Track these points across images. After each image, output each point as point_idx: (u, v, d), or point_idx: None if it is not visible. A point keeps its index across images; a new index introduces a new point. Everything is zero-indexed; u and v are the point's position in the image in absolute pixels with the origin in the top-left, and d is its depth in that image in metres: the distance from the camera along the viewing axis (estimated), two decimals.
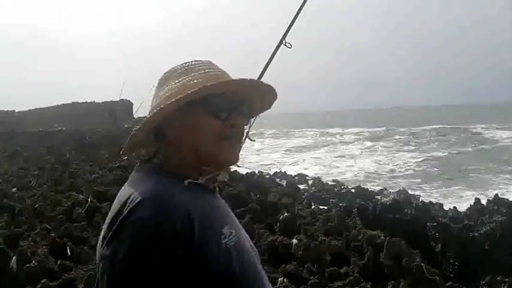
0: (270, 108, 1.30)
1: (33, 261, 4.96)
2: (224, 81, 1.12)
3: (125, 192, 1.07)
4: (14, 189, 9.76)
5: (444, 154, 26.58)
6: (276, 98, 1.25)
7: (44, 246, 5.54)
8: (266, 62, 2.31)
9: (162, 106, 1.09)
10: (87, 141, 18.36)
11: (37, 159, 14.62)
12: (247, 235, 1.26)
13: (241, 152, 1.20)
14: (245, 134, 1.24)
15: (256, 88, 1.19)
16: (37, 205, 7.82)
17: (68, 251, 5.52)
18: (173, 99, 1.07)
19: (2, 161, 14.73)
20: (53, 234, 5.97)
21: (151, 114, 1.12)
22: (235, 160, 1.16)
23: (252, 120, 1.28)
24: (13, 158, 15.23)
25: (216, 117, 1.11)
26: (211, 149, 1.11)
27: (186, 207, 1.00)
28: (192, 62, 1.20)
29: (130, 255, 0.93)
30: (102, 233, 1.05)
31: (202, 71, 1.16)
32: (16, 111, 41.25)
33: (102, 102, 37.23)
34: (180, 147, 1.13)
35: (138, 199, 0.99)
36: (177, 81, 1.16)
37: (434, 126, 49.37)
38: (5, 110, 40.06)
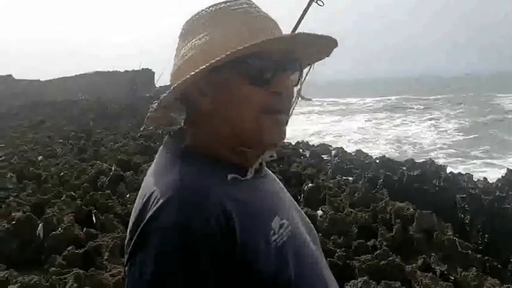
0: (328, 55, 1.01)
1: (59, 229, 5.00)
2: (267, 40, 0.84)
3: (149, 183, 0.88)
4: (40, 158, 9.89)
5: (474, 123, 26.03)
6: (336, 45, 0.97)
7: (70, 214, 5.59)
8: (297, 20, 2.14)
9: (178, 82, 0.86)
10: (109, 111, 18.47)
11: (61, 128, 14.80)
12: (301, 212, 1.07)
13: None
14: (295, 93, 0.99)
15: (306, 41, 0.92)
16: (62, 173, 7.91)
17: (94, 219, 5.55)
18: (195, 71, 0.83)
19: (27, 130, 14.96)
20: (78, 202, 6.02)
21: (167, 92, 0.88)
22: (281, 138, 0.92)
23: (306, 71, 1.01)
24: (38, 128, 15.44)
25: (255, 84, 0.87)
26: (251, 126, 0.88)
27: (222, 204, 0.81)
28: (221, 4, 0.93)
29: (157, 276, 0.77)
30: (127, 234, 0.87)
31: (236, 20, 0.89)
32: (41, 80, 41.94)
33: (124, 71, 37.40)
34: (213, 122, 0.91)
35: (162, 200, 0.80)
36: (201, 36, 0.90)
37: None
38: (29, 79, 40.76)
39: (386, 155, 11.44)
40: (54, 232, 4.94)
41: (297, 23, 2.12)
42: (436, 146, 18.95)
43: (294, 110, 1.00)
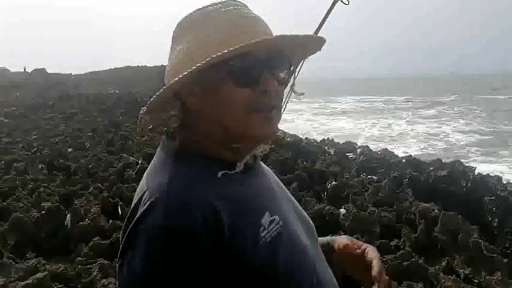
0: (320, 50, 1.03)
1: (86, 220, 5.14)
2: (247, 44, 0.85)
3: (143, 184, 0.92)
4: (69, 150, 10.15)
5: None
6: (324, 42, 0.99)
7: (97, 205, 5.73)
8: (322, 18, 2.13)
9: (165, 87, 0.89)
10: (139, 103, 18.72)
11: (91, 121, 15.11)
12: (297, 207, 1.10)
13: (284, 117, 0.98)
14: (288, 87, 1.01)
15: (294, 41, 0.94)
16: (91, 165, 8.10)
17: (119, 211, 5.68)
18: (179, 77, 0.86)
19: (59, 122, 15.34)
20: (105, 194, 6.16)
21: (156, 94, 0.90)
22: (271, 134, 0.94)
23: (298, 67, 1.04)
24: (69, 120, 15.81)
25: (241, 85, 0.89)
26: (240, 124, 0.90)
27: (210, 203, 0.84)
28: (209, 7, 0.94)
29: (144, 275, 0.80)
30: (120, 237, 0.90)
31: (224, 22, 0.91)
32: (72, 74, 43.00)
33: (153, 66, 37.97)
34: (203, 120, 0.93)
35: (151, 200, 0.84)
36: (189, 39, 0.92)
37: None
38: (63, 73, 41.83)
39: (412, 155, 11.22)
40: (81, 223, 5.08)
41: (320, 24, 2.12)
42: (465, 146, 18.53)
43: (286, 105, 1.01)
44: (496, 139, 19.99)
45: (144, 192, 0.87)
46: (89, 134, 12.38)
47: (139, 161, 7.77)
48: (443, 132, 22.61)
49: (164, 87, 0.90)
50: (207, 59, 0.84)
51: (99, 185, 6.70)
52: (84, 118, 15.94)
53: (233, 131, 0.91)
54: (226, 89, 0.89)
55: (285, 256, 0.89)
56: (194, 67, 0.85)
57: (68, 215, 5.19)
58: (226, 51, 0.84)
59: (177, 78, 0.86)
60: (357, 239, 4.42)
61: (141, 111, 0.96)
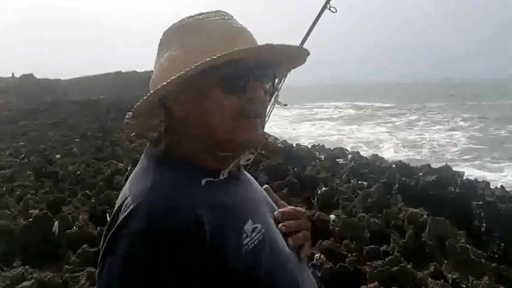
0: (304, 63, 1.04)
1: (74, 227, 5.10)
2: (236, 50, 0.85)
3: (125, 189, 0.91)
4: (57, 156, 10.08)
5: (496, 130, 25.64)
6: (308, 54, 1.01)
7: (85, 212, 5.69)
8: (309, 26, 2.15)
9: (152, 92, 0.89)
10: (129, 109, 18.51)
11: (80, 127, 15.02)
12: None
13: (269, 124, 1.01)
14: (273, 98, 1.03)
15: (279, 51, 0.94)
16: (79, 172, 8.05)
17: (108, 218, 5.63)
18: (167, 81, 0.86)
19: (48, 128, 15.23)
20: (93, 201, 6.11)
21: (142, 100, 0.90)
22: (257, 141, 0.95)
23: (282, 79, 1.06)
24: (58, 126, 15.70)
25: (228, 92, 0.88)
26: (226, 131, 0.89)
27: (192, 209, 0.83)
28: (196, 16, 0.94)
29: (124, 280, 0.79)
30: (101, 242, 0.89)
31: (211, 30, 0.92)
32: (62, 79, 42.73)
33: (144, 71, 37.87)
34: (190, 126, 0.92)
35: (133, 205, 0.83)
36: (177, 46, 0.93)
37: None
38: (51, 78, 41.57)
39: (402, 160, 11.31)
40: (69, 230, 5.04)
41: (307, 32, 2.14)
42: (454, 152, 18.71)
43: (271, 115, 1.01)
44: (483, 144, 20.20)
45: (126, 198, 0.86)
46: (78, 140, 12.31)
47: (129, 167, 7.73)
48: (433, 140, 22.79)
49: (151, 92, 0.89)
50: (197, 64, 0.84)
51: (88, 191, 6.66)
52: (73, 124, 15.84)
53: (219, 137, 0.91)
54: (214, 95, 0.89)
55: (267, 263, 0.89)
56: (183, 71, 0.85)
57: (56, 223, 5.13)
58: (217, 56, 0.84)
59: (165, 83, 0.86)
60: (346, 245, 4.38)
61: (127, 116, 0.96)
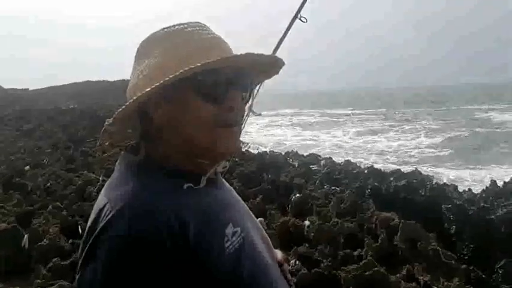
0: (277, 73, 1.10)
1: (45, 240, 4.97)
2: (215, 60, 0.88)
3: (102, 197, 0.91)
4: (27, 167, 9.80)
5: (458, 134, 26.36)
6: (283, 64, 1.06)
7: (56, 225, 5.55)
8: (281, 36, 2.19)
9: (131, 100, 0.89)
10: (100, 118, 18.30)
11: (50, 137, 14.68)
12: (255, 221, 1.13)
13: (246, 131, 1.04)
14: (247, 108, 1.06)
15: (257, 60, 0.98)
16: (49, 183, 7.85)
17: (80, 230, 5.52)
18: (146, 90, 0.87)
19: (16, 138, 14.83)
20: (64, 213, 5.98)
21: (123, 107, 0.91)
22: (234, 150, 0.98)
23: (256, 89, 1.10)
24: (27, 136, 15.31)
25: (207, 100, 0.91)
26: (205, 139, 0.92)
27: (174, 212, 0.84)
28: (175, 26, 0.97)
29: (106, 285, 0.79)
30: (81, 245, 0.89)
31: (189, 40, 0.94)
32: (30, 89, 41.75)
33: (114, 81, 37.43)
34: (169, 133, 0.94)
35: (114, 210, 0.83)
36: (156, 54, 0.95)
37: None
38: (19, 88, 40.60)
39: (374, 165, 11.51)
40: (40, 243, 4.91)
41: (279, 41, 2.18)
42: (422, 156, 19.15)
43: (246, 124, 1.05)
44: (449, 148, 20.76)
45: (105, 205, 0.86)
46: (48, 150, 12.03)
47: (101, 178, 7.60)
48: (403, 145, 23.24)
49: (132, 99, 0.90)
50: (178, 73, 0.86)
51: (58, 203, 6.50)
52: (43, 134, 15.47)
53: (198, 145, 0.93)
54: (194, 103, 0.91)
55: (248, 266, 0.92)
56: (166, 79, 0.86)
57: (25, 236, 5.00)
58: (198, 64, 0.86)
59: (149, 89, 0.87)
60: (321, 249, 4.43)
61: (106, 123, 0.96)
